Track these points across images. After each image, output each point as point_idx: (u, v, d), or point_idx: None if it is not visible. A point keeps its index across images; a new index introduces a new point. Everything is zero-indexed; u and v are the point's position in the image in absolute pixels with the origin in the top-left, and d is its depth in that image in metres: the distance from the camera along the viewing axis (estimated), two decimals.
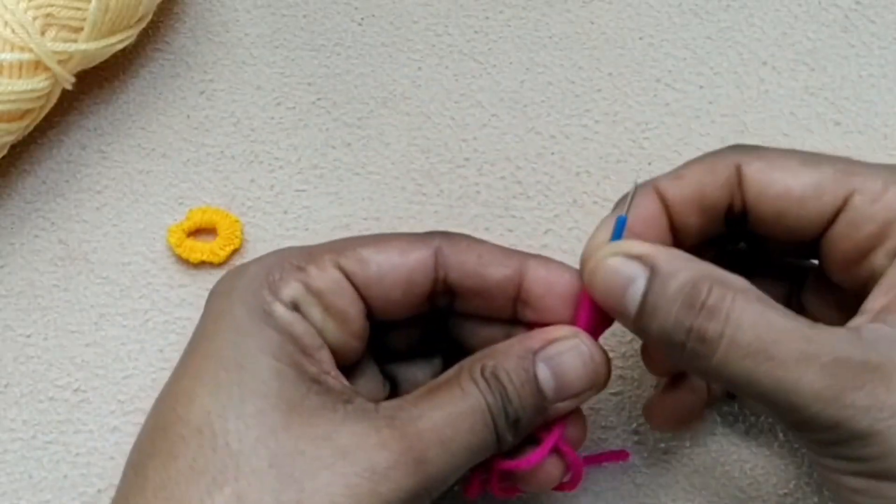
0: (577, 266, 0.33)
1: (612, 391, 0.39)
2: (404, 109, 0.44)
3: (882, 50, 0.45)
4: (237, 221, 0.42)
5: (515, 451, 0.32)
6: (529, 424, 0.31)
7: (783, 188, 0.31)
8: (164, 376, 0.39)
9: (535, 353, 0.31)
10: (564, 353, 0.31)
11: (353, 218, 0.42)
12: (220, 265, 0.41)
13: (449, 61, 0.45)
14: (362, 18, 0.46)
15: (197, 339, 0.32)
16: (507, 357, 0.31)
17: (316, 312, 0.31)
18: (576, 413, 0.33)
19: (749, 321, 0.28)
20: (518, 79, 0.45)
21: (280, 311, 0.31)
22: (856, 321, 0.30)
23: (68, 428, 0.39)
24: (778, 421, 0.30)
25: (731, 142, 0.43)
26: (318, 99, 0.45)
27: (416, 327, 0.34)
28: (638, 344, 0.39)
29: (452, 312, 0.34)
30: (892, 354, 0.28)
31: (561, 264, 0.33)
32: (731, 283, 0.29)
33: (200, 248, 0.41)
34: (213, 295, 0.32)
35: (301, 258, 0.32)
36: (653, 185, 0.32)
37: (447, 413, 0.30)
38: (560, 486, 0.33)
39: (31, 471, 0.38)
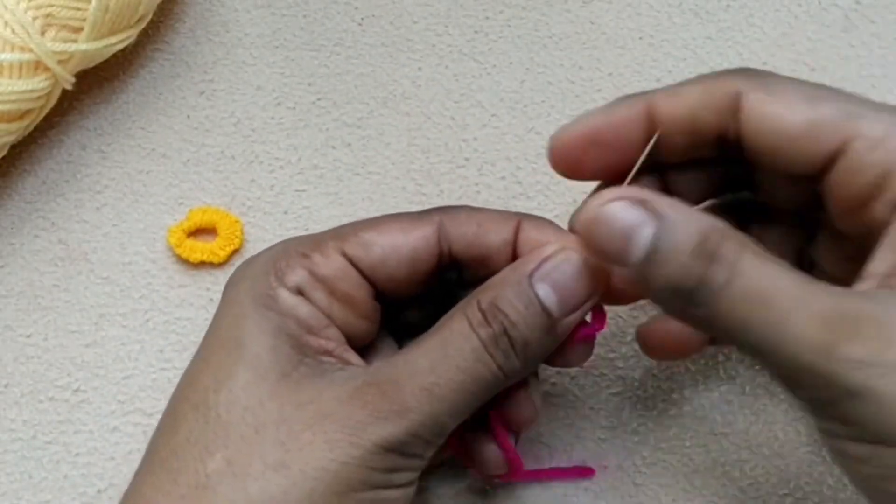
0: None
1: (612, 391, 0.39)
2: (404, 109, 0.44)
3: (882, 50, 0.45)
4: (237, 221, 0.42)
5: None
6: (541, 347, 0.31)
7: (779, 124, 0.30)
8: (164, 376, 0.40)
9: (531, 275, 0.31)
10: (559, 265, 0.31)
11: (353, 218, 0.42)
12: (220, 265, 0.41)
13: (449, 61, 0.45)
14: (362, 18, 0.46)
15: (209, 327, 0.33)
16: (504, 286, 0.31)
17: (321, 297, 0.32)
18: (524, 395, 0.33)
19: (752, 271, 0.28)
20: (518, 79, 0.45)
21: (284, 295, 0.32)
22: (862, 285, 0.29)
23: (68, 428, 0.39)
24: (774, 377, 0.29)
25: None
26: (318, 99, 0.45)
27: (429, 302, 0.35)
28: (638, 344, 0.39)
29: (463, 283, 0.34)
30: (892, 312, 0.27)
31: (552, 225, 0.33)
32: (736, 235, 0.28)
33: (200, 248, 0.41)
34: (227, 284, 0.33)
35: (306, 246, 0.33)
36: (647, 98, 0.32)
37: (430, 359, 0.30)
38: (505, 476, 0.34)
39: (31, 471, 0.38)
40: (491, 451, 0.34)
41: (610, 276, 0.32)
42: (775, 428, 0.39)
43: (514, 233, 0.33)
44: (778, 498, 0.38)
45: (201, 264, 0.41)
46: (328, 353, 0.32)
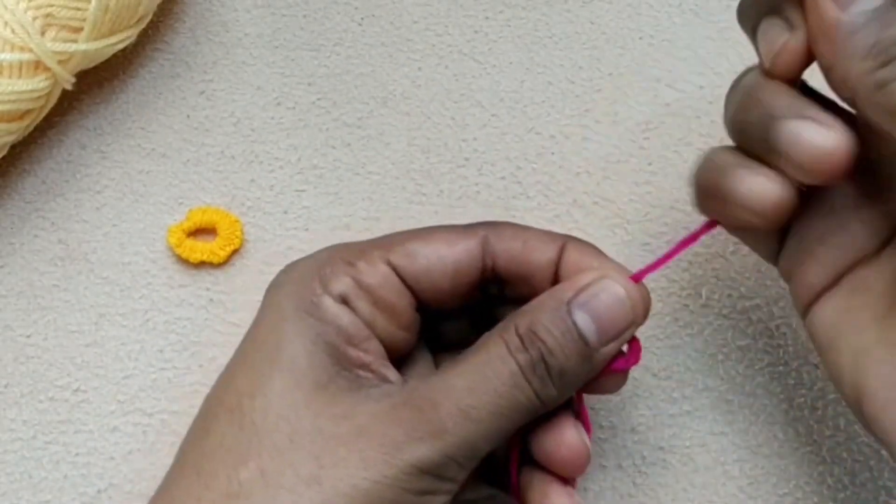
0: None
1: None
2: (404, 109, 0.44)
3: None
4: (237, 221, 0.42)
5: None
6: (577, 376, 0.31)
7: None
8: (165, 376, 0.40)
9: (569, 302, 0.31)
10: (598, 294, 0.31)
11: (353, 218, 0.42)
12: (220, 265, 0.41)
13: (449, 61, 0.45)
14: (362, 18, 0.46)
15: (248, 330, 0.33)
16: (542, 311, 0.31)
17: (365, 306, 0.32)
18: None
19: None
20: (518, 79, 0.45)
21: (328, 303, 0.32)
22: None
23: (68, 428, 0.39)
24: None
25: (732, 142, 0.43)
26: (318, 99, 0.45)
27: (468, 316, 0.35)
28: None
29: (504, 299, 0.34)
30: None
31: (596, 250, 0.33)
32: None
33: (200, 248, 0.41)
34: (269, 288, 0.33)
35: (352, 254, 0.33)
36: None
37: (469, 381, 0.30)
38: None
39: (31, 471, 0.38)
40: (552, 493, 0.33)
41: (649, 303, 0.32)
42: (775, 428, 0.39)
43: (558, 253, 0.33)
44: (778, 498, 0.38)
45: (201, 264, 0.41)
46: (366, 366, 0.32)
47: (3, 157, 0.41)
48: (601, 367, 0.32)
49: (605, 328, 0.31)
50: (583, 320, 0.31)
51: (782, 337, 0.40)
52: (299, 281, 0.32)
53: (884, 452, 0.38)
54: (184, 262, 0.41)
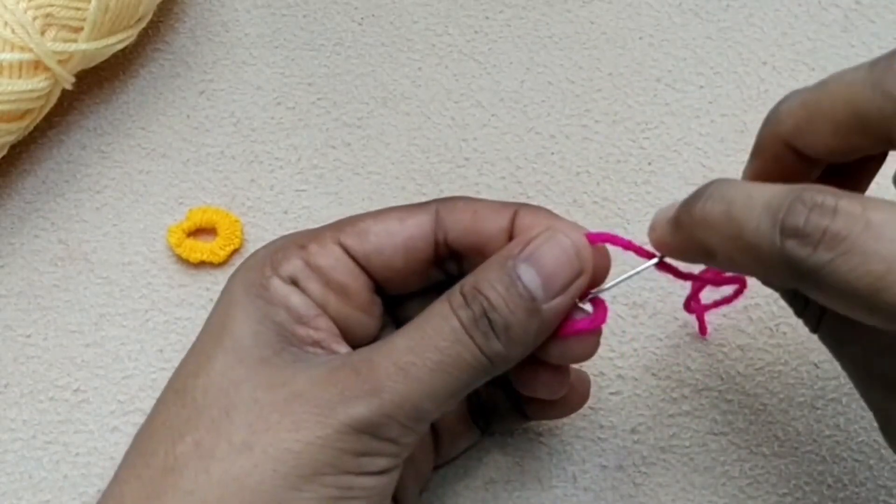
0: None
1: (612, 391, 0.39)
2: (404, 109, 0.44)
3: (882, 50, 0.45)
4: (237, 221, 0.42)
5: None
6: (525, 331, 0.30)
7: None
8: (164, 376, 0.39)
9: (514, 257, 0.30)
10: (542, 246, 0.31)
11: None
12: (220, 265, 0.41)
13: (449, 61, 0.45)
14: (362, 18, 0.46)
15: (205, 321, 0.33)
16: (488, 269, 0.31)
17: (315, 287, 0.32)
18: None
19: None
20: (518, 79, 0.45)
21: (276, 284, 0.32)
22: None
23: (68, 428, 0.39)
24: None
25: (732, 142, 0.43)
26: (318, 99, 0.45)
27: (432, 298, 0.34)
28: (638, 344, 0.40)
29: (463, 275, 0.33)
30: None
31: (549, 212, 0.33)
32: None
33: (200, 248, 0.41)
34: (229, 279, 0.33)
35: (304, 238, 0.33)
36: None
37: (409, 339, 0.30)
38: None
39: (31, 471, 0.38)
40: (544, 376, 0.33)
41: (608, 264, 0.32)
42: (775, 428, 0.39)
43: (510, 221, 0.32)
44: (778, 498, 0.38)
45: (201, 264, 0.41)
46: (317, 342, 0.31)
47: (3, 157, 0.41)
48: (554, 323, 0.31)
49: (551, 280, 0.30)
50: (526, 273, 0.30)
51: (782, 337, 0.40)
52: (251, 266, 0.32)
53: (884, 452, 0.38)
54: (184, 262, 0.41)
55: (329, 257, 0.32)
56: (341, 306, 0.32)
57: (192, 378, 0.31)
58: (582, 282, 0.31)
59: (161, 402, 0.32)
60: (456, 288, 0.31)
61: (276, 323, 0.31)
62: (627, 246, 0.32)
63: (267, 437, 0.29)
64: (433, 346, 0.29)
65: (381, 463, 0.30)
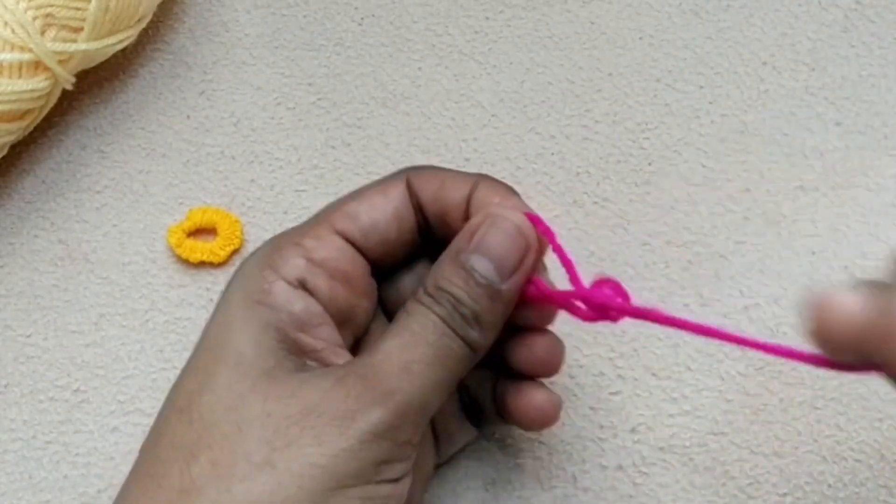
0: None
1: (612, 391, 0.39)
2: (404, 109, 0.44)
3: (882, 50, 0.45)
4: (237, 221, 0.42)
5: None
6: (493, 315, 0.31)
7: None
8: (164, 376, 0.40)
9: (465, 250, 0.31)
10: (486, 234, 0.31)
11: None
12: (220, 265, 0.41)
13: (449, 61, 0.45)
14: (362, 18, 0.46)
15: (201, 333, 0.32)
16: (444, 266, 0.31)
17: (323, 283, 0.32)
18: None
19: None
20: (518, 79, 0.45)
21: (280, 288, 0.31)
22: None
23: (68, 428, 0.39)
24: None
25: (732, 142, 0.43)
26: (318, 99, 0.45)
27: (420, 273, 0.35)
28: (637, 344, 0.40)
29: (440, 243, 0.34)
30: None
31: (505, 186, 0.34)
32: None
33: (200, 248, 0.41)
34: (225, 290, 0.33)
35: (296, 235, 0.33)
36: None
37: (401, 339, 0.30)
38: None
39: (31, 471, 0.38)
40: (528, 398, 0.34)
41: (540, 231, 0.32)
42: (775, 428, 0.39)
43: (470, 191, 0.33)
44: (778, 498, 0.38)
45: (201, 264, 0.41)
46: (316, 353, 0.31)
47: (3, 157, 0.41)
48: (516, 297, 0.32)
49: (503, 264, 0.31)
50: (479, 262, 0.31)
51: (782, 337, 0.40)
52: (248, 274, 0.32)
53: (884, 452, 0.38)
54: (184, 262, 0.41)
55: (329, 248, 0.32)
56: (349, 296, 0.33)
57: (195, 395, 0.30)
58: (531, 257, 0.32)
59: (164, 421, 0.31)
60: (419, 288, 0.32)
61: (277, 329, 0.31)
62: (552, 239, 0.32)
63: (289, 453, 0.29)
64: (424, 341, 0.30)
65: (398, 469, 0.30)
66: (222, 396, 0.30)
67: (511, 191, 0.34)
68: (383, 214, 0.33)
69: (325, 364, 0.31)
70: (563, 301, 0.32)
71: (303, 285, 0.32)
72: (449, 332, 0.31)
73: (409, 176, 0.34)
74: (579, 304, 0.32)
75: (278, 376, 0.30)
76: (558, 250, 0.32)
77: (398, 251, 0.34)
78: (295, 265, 0.32)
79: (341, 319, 0.33)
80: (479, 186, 0.33)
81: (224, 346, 0.31)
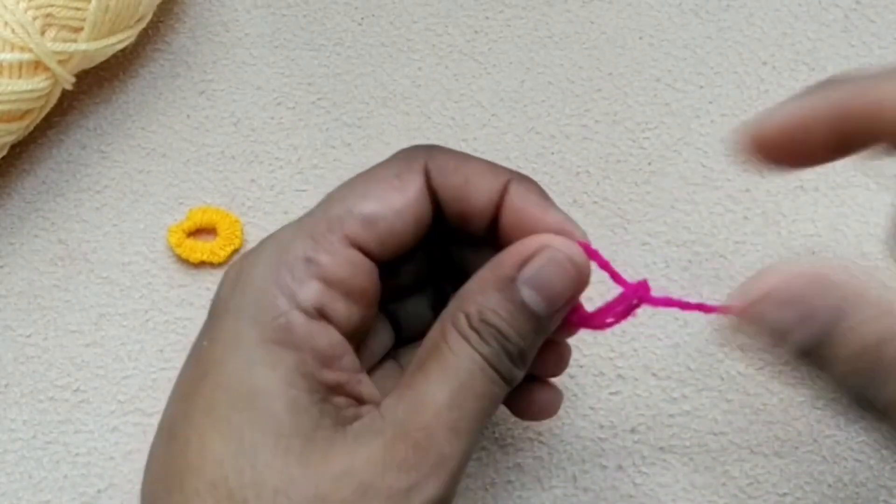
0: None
1: (612, 391, 0.39)
2: (404, 109, 0.44)
3: (882, 50, 0.45)
4: (237, 221, 0.42)
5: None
6: (535, 350, 0.30)
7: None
8: (164, 376, 0.40)
9: (514, 279, 0.29)
10: (543, 267, 0.29)
11: None
12: (220, 265, 0.41)
13: (449, 61, 0.45)
14: (362, 18, 0.46)
15: (205, 363, 0.30)
16: (487, 294, 0.29)
17: (340, 306, 0.30)
18: None
19: None
20: (518, 79, 0.45)
21: (299, 322, 0.29)
22: None
23: (68, 428, 0.39)
24: None
25: (731, 142, 0.43)
26: (318, 99, 0.45)
27: (420, 262, 0.33)
28: (638, 344, 0.40)
29: (453, 239, 0.33)
30: None
31: (538, 194, 0.31)
32: None
33: (200, 248, 0.41)
34: (220, 309, 0.30)
35: (304, 245, 0.30)
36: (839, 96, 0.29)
37: (448, 392, 0.28)
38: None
39: (31, 471, 0.38)
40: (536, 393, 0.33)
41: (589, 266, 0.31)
42: (775, 428, 0.39)
43: (499, 195, 0.31)
44: (778, 498, 0.38)
45: (201, 264, 0.41)
46: (341, 386, 0.29)
47: (3, 157, 0.41)
48: (551, 332, 0.31)
49: (554, 300, 0.30)
50: (530, 297, 0.29)
51: None
52: (258, 301, 0.29)
53: (884, 452, 0.38)
54: (184, 262, 0.41)
55: (344, 265, 0.30)
56: (363, 313, 0.30)
57: (233, 473, 0.27)
58: (581, 292, 0.31)
59: (195, 497, 0.27)
60: (461, 317, 0.29)
61: (303, 375, 0.28)
62: (605, 266, 0.31)
63: None
64: (472, 394, 0.29)
65: None
66: (267, 477, 0.27)
67: (545, 197, 0.31)
68: (401, 219, 0.30)
69: (351, 397, 0.30)
70: (599, 323, 0.31)
71: (320, 313, 0.29)
72: (496, 377, 0.29)
73: (428, 166, 0.31)
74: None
75: (321, 443, 0.28)
76: (620, 281, 0.31)
77: (409, 245, 0.31)
78: (311, 289, 0.29)
79: (356, 337, 0.31)
80: (510, 191, 0.31)
81: (253, 406, 0.28)
